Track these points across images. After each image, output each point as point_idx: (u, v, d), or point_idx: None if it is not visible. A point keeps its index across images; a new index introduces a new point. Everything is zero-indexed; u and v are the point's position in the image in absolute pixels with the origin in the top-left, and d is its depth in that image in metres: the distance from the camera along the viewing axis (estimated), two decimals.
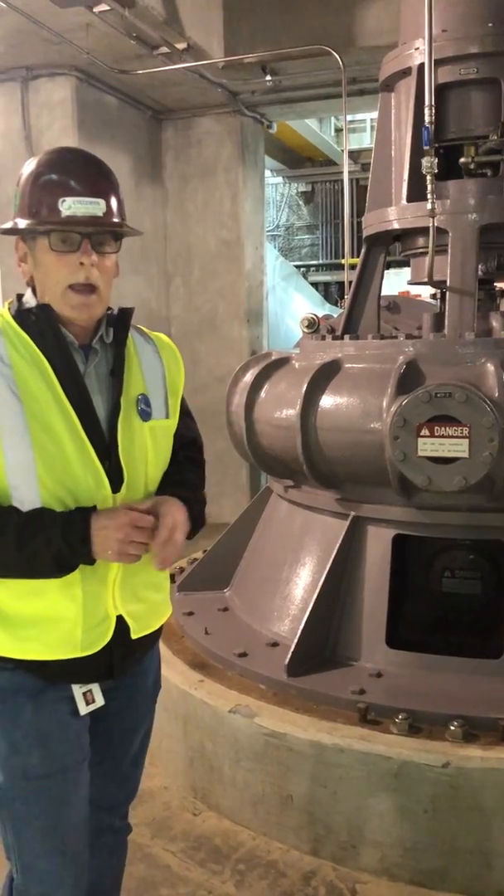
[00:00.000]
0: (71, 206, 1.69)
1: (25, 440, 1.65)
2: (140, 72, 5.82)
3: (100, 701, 1.81)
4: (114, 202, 1.75)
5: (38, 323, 1.72)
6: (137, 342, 1.90)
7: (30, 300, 1.78)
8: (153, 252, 7.15)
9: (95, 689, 1.80)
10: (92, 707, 1.80)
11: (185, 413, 2.02)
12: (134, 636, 1.83)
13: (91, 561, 1.68)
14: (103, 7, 4.65)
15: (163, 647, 3.28)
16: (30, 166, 1.77)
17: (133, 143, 6.75)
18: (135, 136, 6.78)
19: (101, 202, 1.72)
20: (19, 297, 1.82)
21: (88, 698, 1.79)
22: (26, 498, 1.66)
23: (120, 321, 1.86)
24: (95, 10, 4.66)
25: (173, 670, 3.12)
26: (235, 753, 2.82)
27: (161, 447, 1.88)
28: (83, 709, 1.78)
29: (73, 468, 1.69)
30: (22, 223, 1.73)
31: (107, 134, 6.30)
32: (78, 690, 1.78)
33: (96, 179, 1.76)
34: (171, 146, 7.22)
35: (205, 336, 7.33)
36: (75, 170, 1.75)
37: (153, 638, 1.94)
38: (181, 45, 5.46)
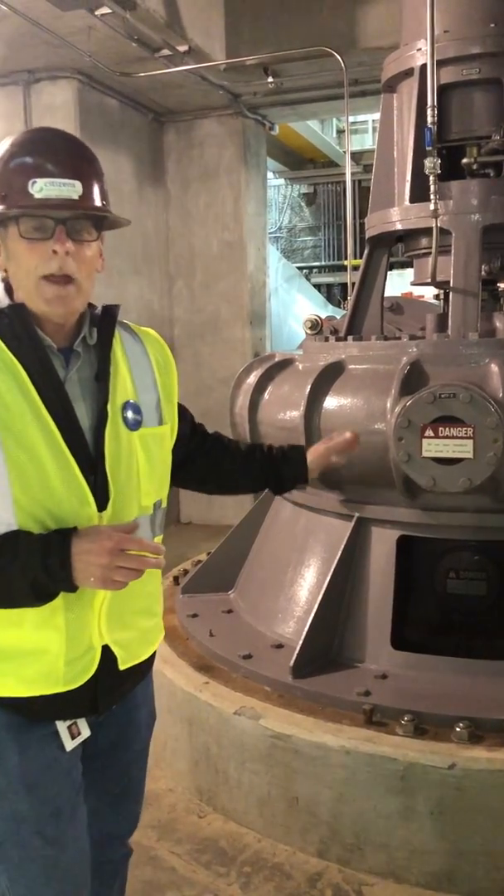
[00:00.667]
0: (43, 188, 1.52)
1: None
2: (142, 74, 5.85)
3: (86, 732, 1.67)
4: (94, 186, 1.59)
5: (11, 325, 1.55)
6: (126, 342, 1.73)
7: (2, 300, 1.62)
8: (156, 254, 7.16)
9: (81, 720, 1.66)
10: (79, 740, 1.66)
11: (183, 413, 1.93)
12: (122, 667, 1.68)
13: (73, 588, 1.50)
14: (105, 10, 4.67)
15: (167, 649, 3.30)
16: (2, 147, 1.61)
17: (135, 145, 6.77)
18: (137, 138, 6.80)
19: (78, 184, 1.55)
20: None
21: (74, 731, 1.65)
22: (2, 519, 1.50)
23: (105, 320, 1.69)
24: (97, 12, 4.69)
25: (178, 672, 3.12)
26: (241, 755, 2.81)
27: (155, 457, 1.71)
28: (69, 744, 1.64)
29: (53, 485, 1.52)
30: None
31: (109, 137, 6.32)
32: (62, 725, 1.63)
33: (73, 160, 1.58)
34: (173, 148, 7.24)
35: (208, 338, 7.34)
36: (50, 150, 1.58)
37: (144, 668, 1.79)
38: (183, 48, 5.48)
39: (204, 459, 2.08)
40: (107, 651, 1.64)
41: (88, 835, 1.75)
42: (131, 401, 1.67)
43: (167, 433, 1.78)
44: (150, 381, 1.75)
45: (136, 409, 1.67)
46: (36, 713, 1.61)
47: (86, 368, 1.62)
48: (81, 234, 1.57)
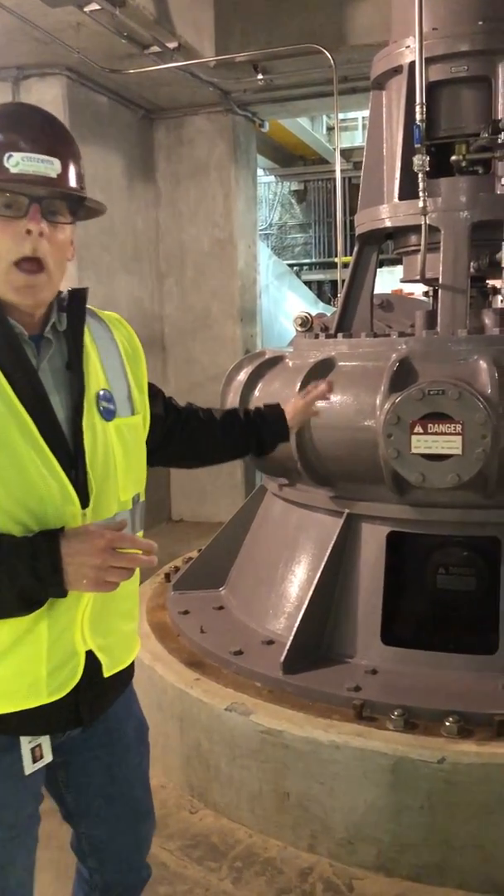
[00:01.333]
0: (19, 162, 1.44)
1: None
2: (131, 71, 5.83)
3: (48, 756, 1.58)
4: (71, 166, 1.51)
5: None
6: (93, 328, 1.65)
7: None
8: (146, 252, 7.15)
9: (45, 742, 1.57)
10: (40, 764, 1.56)
11: (155, 393, 1.85)
12: (107, 674, 1.62)
13: (63, 593, 1.42)
14: (94, 6, 4.64)
15: (158, 646, 3.30)
16: None
17: (125, 142, 6.75)
18: (126, 135, 6.78)
19: (56, 162, 1.47)
20: None
21: (37, 754, 1.55)
22: None
23: (73, 305, 1.61)
24: (86, 9, 4.66)
25: (169, 669, 3.13)
26: (232, 751, 2.82)
27: (131, 449, 1.65)
28: (29, 767, 1.54)
29: (33, 482, 1.43)
30: None
31: (98, 134, 6.30)
32: (26, 745, 1.53)
33: (51, 137, 1.51)
34: (162, 145, 7.22)
35: (198, 335, 7.34)
36: (27, 125, 1.50)
37: (125, 677, 1.73)
38: (172, 45, 5.46)
39: (182, 435, 2.04)
40: (90, 658, 1.58)
41: (109, 868, 1.76)
42: (104, 390, 1.60)
43: (140, 423, 1.71)
44: (119, 369, 1.68)
45: (109, 399, 1.61)
46: (12, 729, 1.52)
47: (56, 357, 1.55)
48: (56, 216, 1.50)
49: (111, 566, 1.39)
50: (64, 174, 1.49)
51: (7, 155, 1.44)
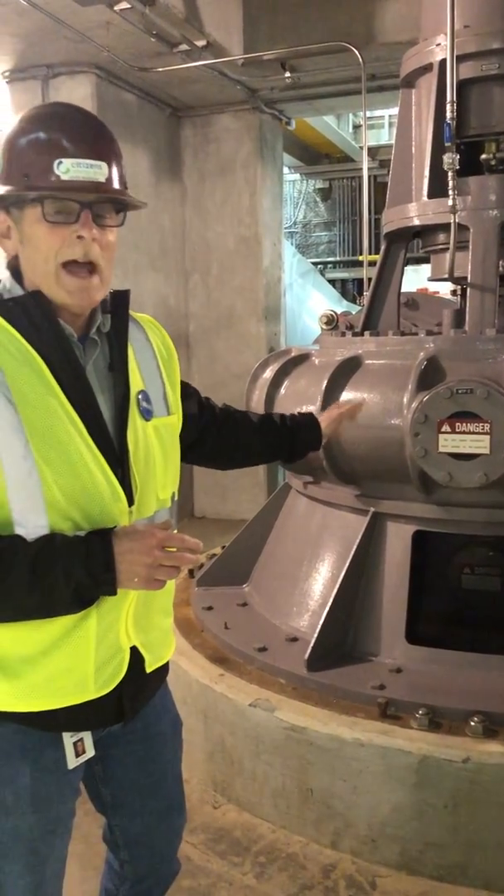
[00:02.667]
0: (69, 168, 1.42)
1: (27, 455, 1.41)
2: (159, 69, 5.85)
3: (90, 751, 1.61)
4: (115, 168, 1.51)
5: (29, 314, 1.47)
6: (130, 330, 1.67)
7: (12, 287, 1.53)
8: (172, 249, 7.18)
9: (87, 737, 1.60)
10: (83, 758, 1.60)
11: (191, 393, 1.88)
12: (149, 669, 1.65)
13: (114, 591, 1.45)
14: (124, 5, 4.67)
15: (183, 641, 3.32)
16: (14, 123, 1.50)
17: (152, 140, 6.79)
18: (154, 133, 6.81)
19: (104, 166, 1.46)
20: None
21: (79, 749, 1.59)
22: (31, 522, 1.42)
23: (117, 307, 1.62)
24: (116, 8, 4.69)
25: (193, 664, 3.15)
26: (256, 747, 2.84)
27: (168, 448, 1.68)
28: (72, 762, 1.58)
29: (84, 480, 1.46)
30: (3, 189, 1.47)
31: (126, 131, 6.33)
32: (69, 740, 1.57)
33: (97, 139, 1.50)
34: (189, 143, 7.24)
35: (223, 333, 7.36)
36: (73, 128, 1.48)
37: (163, 672, 1.76)
38: (201, 43, 5.49)
39: (216, 435, 2.05)
40: (133, 654, 1.61)
41: (141, 860, 1.79)
42: (142, 391, 1.63)
43: (175, 423, 1.74)
44: (154, 370, 1.70)
45: (147, 399, 1.63)
46: (61, 726, 1.55)
47: (100, 358, 1.58)
48: (104, 219, 1.50)
49: (161, 565, 1.42)
50: (111, 177, 1.49)
51: (57, 161, 1.43)
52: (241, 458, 2.23)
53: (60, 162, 1.43)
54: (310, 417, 2.30)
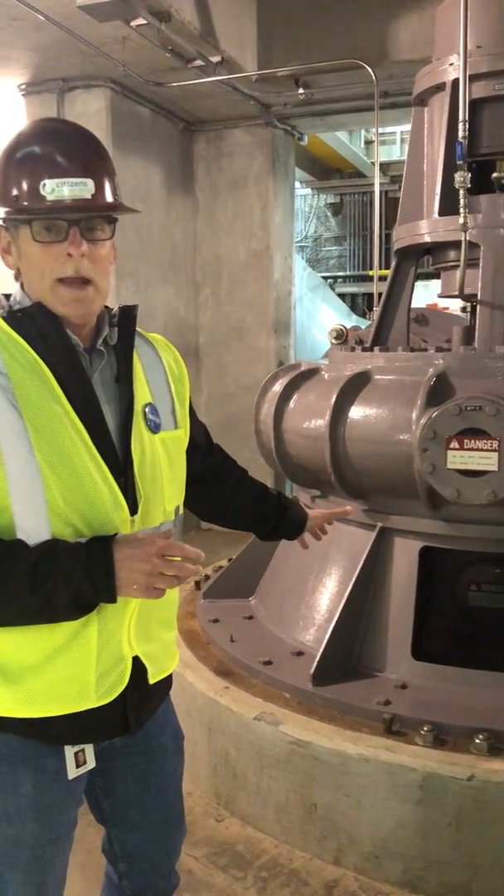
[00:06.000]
0: (54, 189, 1.44)
1: (31, 461, 1.42)
2: (174, 84, 5.91)
3: (91, 762, 1.61)
4: (105, 182, 1.51)
5: (37, 324, 1.49)
6: (139, 346, 1.69)
7: (22, 299, 1.56)
8: (183, 262, 7.23)
9: (88, 748, 1.61)
10: (83, 769, 1.60)
11: (195, 416, 1.87)
12: (152, 680, 1.65)
13: (114, 598, 1.44)
14: (140, 21, 4.72)
15: (188, 653, 3.32)
16: (9, 142, 1.52)
17: (165, 154, 6.84)
18: (167, 147, 6.87)
19: (90, 182, 1.47)
20: (7, 296, 1.60)
21: (80, 759, 1.59)
22: (33, 528, 1.43)
23: (124, 321, 1.64)
24: (132, 23, 4.74)
25: (199, 676, 3.15)
26: (259, 761, 2.83)
27: (175, 461, 1.69)
28: (72, 772, 1.58)
29: (87, 490, 1.47)
30: (0, 211, 1.50)
31: (140, 145, 6.39)
32: (70, 750, 1.57)
33: (83, 154, 1.50)
34: (202, 157, 7.30)
35: (232, 346, 7.39)
36: (59, 144, 1.49)
37: (166, 685, 1.76)
38: (215, 59, 5.54)
39: (213, 484, 2.00)
40: (136, 664, 1.61)
41: (139, 873, 1.80)
42: (150, 404, 1.64)
43: (183, 437, 1.76)
44: (163, 385, 1.72)
45: (155, 412, 1.65)
46: (63, 736, 1.56)
47: (107, 370, 1.59)
48: (95, 234, 1.51)
49: (161, 573, 1.41)
50: (99, 192, 1.49)
51: (42, 183, 1.45)
52: (229, 514, 2.11)
53: (45, 183, 1.45)
54: (298, 508, 2.18)
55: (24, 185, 1.46)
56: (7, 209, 1.49)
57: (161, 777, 1.80)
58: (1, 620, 1.47)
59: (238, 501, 2.08)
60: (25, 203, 1.47)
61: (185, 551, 1.45)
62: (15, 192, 1.48)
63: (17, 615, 1.45)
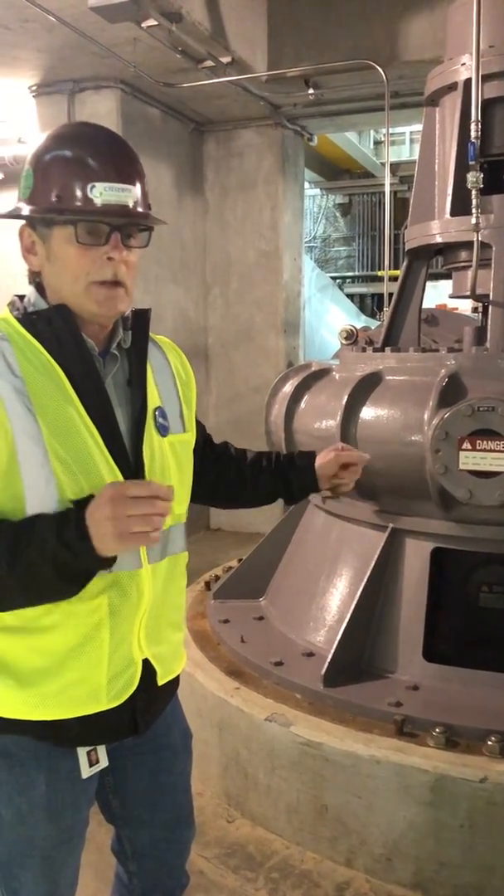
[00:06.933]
0: (102, 192, 1.46)
1: (45, 463, 1.43)
2: (184, 85, 5.91)
3: (104, 761, 1.62)
4: (141, 190, 1.54)
5: (53, 327, 1.50)
6: (150, 350, 1.70)
7: (37, 302, 1.56)
8: (192, 262, 7.23)
9: (100, 748, 1.62)
10: (96, 768, 1.61)
11: (199, 426, 1.87)
12: (161, 682, 1.66)
13: (99, 561, 1.40)
14: (151, 22, 4.72)
15: (199, 654, 3.32)
16: (42, 142, 1.53)
17: (175, 154, 6.85)
18: (177, 147, 6.88)
19: (134, 190, 1.50)
20: (21, 297, 1.60)
21: (92, 759, 1.60)
22: None
23: (138, 324, 1.65)
24: (143, 24, 4.74)
25: (209, 677, 3.15)
26: (271, 762, 2.83)
27: (184, 464, 1.71)
28: (86, 772, 1.59)
29: (99, 489, 1.45)
30: (30, 209, 1.50)
31: (150, 146, 6.40)
32: (82, 750, 1.59)
33: (125, 162, 1.53)
34: (212, 158, 7.30)
35: (241, 346, 7.39)
36: (101, 149, 1.51)
37: (174, 686, 1.77)
38: (226, 59, 5.53)
39: (215, 471, 2.00)
40: (145, 666, 1.62)
41: (149, 873, 1.80)
42: (159, 407, 1.66)
43: (190, 440, 1.77)
44: (172, 388, 1.73)
45: (164, 416, 1.66)
46: (74, 738, 1.56)
47: (119, 373, 1.61)
48: (131, 241, 1.54)
49: (129, 515, 1.35)
50: (139, 200, 1.53)
51: (90, 185, 1.46)
52: (238, 495, 2.07)
53: (93, 186, 1.46)
54: (307, 458, 2.09)
55: (69, 187, 1.46)
56: (48, 209, 1.49)
57: (170, 776, 1.81)
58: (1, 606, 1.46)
59: (237, 477, 2.04)
60: (74, 204, 1.46)
61: (152, 488, 1.39)
62: (56, 192, 1.47)
63: (8, 598, 1.43)
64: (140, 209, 1.53)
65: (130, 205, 1.50)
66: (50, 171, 1.50)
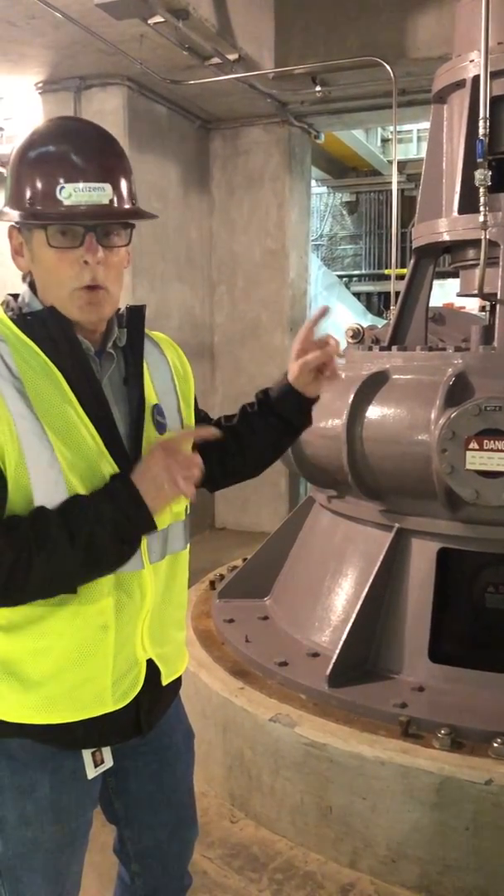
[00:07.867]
0: (71, 194, 1.40)
1: (54, 464, 1.42)
2: (191, 82, 5.89)
3: (109, 762, 1.61)
4: (123, 185, 1.47)
5: (47, 328, 1.48)
6: (146, 347, 1.68)
7: (31, 302, 1.54)
8: (199, 260, 7.21)
9: (105, 748, 1.61)
10: (101, 768, 1.60)
11: (197, 407, 1.82)
12: (164, 682, 1.66)
13: (152, 524, 1.46)
14: (158, 19, 4.71)
15: (203, 653, 3.31)
16: (20, 141, 1.48)
17: (181, 152, 6.83)
18: (183, 145, 6.86)
19: (107, 187, 1.43)
20: (14, 297, 1.57)
21: (97, 759, 1.59)
22: None
23: (132, 322, 1.62)
24: (150, 21, 4.73)
25: (214, 677, 3.14)
26: (275, 762, 2.82)
27: None
28: (91, 772, 1.58)
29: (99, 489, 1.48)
30: (13, 213, 1.46)
31: (156, 143, 6.39)
32: (87, 750, 1.58)
33: (101, 156, 1.45)
34: (218, 155, 7.29)
35: (247, 344, 7.37)
36: (74, 145, 1.44)
37: (177, 685, 1.76)
38: (233, 56, 5.52)
39: (216, 448, 1.81)
40: (149, 667, 1.61)
41: (151, 873, 1.79)
42: (156, 404, 1.64)
43: None
44: (169, 384, 1.71)
45: (162, 413, 1.65)
46: (78, 741, 1.55)
47: (115, 372, 1.59)
48: (111, 240, 1.48)
49: (174, 469, 1.43)
50: (118, 197, 1.46)
51: (59, 187, 1.41)
52: (243, 456, 1.89)
53: (63, 187, 1.41)
54: (280, 386, 1.86)
55: (40, 188, 1.43)
56: (21, 212, 1.45)
57: (173, 776, 1.80)
58: (61, 587, 1.45)
59: (234, 439, 1.86)
60: (40, 207, 1.43)
61: (185, 448, 1.49)
62: (29, 194, 1.44)
63: (70, 575, 1.44)
64: (119, 206, 1.47)
65: (105, 203, 1.44)
66: (23, 171, 1.46)
